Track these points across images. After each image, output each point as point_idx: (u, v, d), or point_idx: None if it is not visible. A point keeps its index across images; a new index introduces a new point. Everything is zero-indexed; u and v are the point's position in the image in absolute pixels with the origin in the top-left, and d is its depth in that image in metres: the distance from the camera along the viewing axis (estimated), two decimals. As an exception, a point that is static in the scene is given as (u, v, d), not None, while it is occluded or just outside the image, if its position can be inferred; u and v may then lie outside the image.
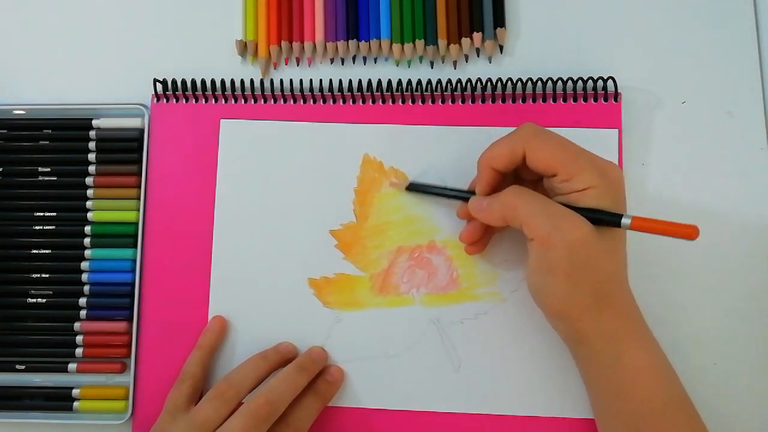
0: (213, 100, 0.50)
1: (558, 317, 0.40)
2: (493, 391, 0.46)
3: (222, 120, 0.49)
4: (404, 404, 0.46)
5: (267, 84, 0.50)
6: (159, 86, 0.50)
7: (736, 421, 0.45)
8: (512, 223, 0.40)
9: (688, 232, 0.37)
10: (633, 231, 0.39)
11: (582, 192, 0.39)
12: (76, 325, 0.48)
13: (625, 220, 0.38)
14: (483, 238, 0.46)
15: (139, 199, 0.49)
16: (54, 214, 0.50)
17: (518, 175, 0.43)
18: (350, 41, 0.50)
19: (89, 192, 0.50)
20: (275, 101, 0.50)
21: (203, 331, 0.47)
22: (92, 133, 0.50)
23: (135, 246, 0.49)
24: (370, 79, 0.49)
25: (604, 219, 0.39)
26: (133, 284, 0.48)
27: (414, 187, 0.47)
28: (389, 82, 0.49)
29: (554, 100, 0.48)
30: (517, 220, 0.40)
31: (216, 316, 0.48)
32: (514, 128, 0.42)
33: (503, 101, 0.48)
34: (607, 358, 0.39)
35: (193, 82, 0.50)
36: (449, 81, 0.48)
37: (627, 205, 0.42)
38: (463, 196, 0.45)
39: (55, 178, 0.50)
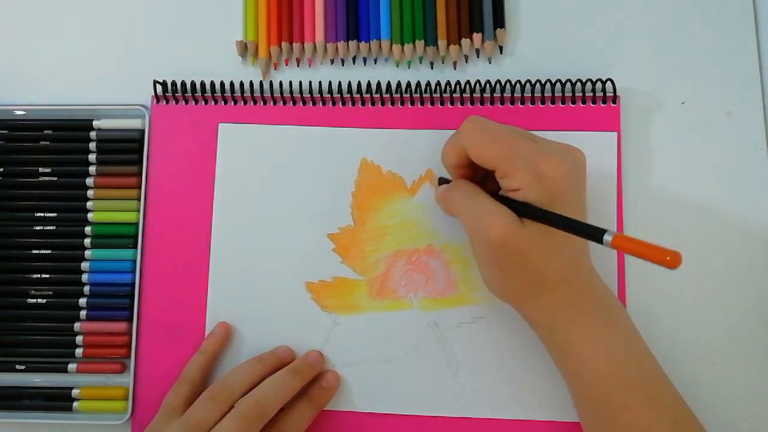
0: (213, 102, 0.50)
1: (505, 301, 0.41)
2: (492, 395, 0.46)
3: (220, 124, 0.49)
4: (402, 408, 0.46)
5: (266, 86, 0.50)
6: (159, 87, 0.50)
7: (736, 421, 0.45)
8: (455, 216, 0.41)
9: (670, 262, 0.31)
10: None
11: (515, 192, 0.38)
12: (76, 326, 0.49)
13: (607, 237, 0.33)
14: None
15: (139, 199, 0.49)
16: (54, 214, 0.50)
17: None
18: (350, 42, 0.50)
19: (89, 192, 0.50)
20: (275, 103, 0.50)
21: (207, 336, 0.47)
22: (93, 134, 0.50)
23: (135, 246, 0.49)
24: (369, 81, 0.49)
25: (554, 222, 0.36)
26: (133, 285, 0.48)
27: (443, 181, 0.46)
28: (389, 84, 0.49)
29: (553, 103, 0.48)
30: (455, 215, 0.41)
31: (221, 322, 0.47)
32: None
33: (502, 103, 0.48)
34: (554, 344, 0.41)
35: (193, 84, 0.50)
36: (448, 83, 0.48)
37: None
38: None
39: (56, 179, 0.50)
